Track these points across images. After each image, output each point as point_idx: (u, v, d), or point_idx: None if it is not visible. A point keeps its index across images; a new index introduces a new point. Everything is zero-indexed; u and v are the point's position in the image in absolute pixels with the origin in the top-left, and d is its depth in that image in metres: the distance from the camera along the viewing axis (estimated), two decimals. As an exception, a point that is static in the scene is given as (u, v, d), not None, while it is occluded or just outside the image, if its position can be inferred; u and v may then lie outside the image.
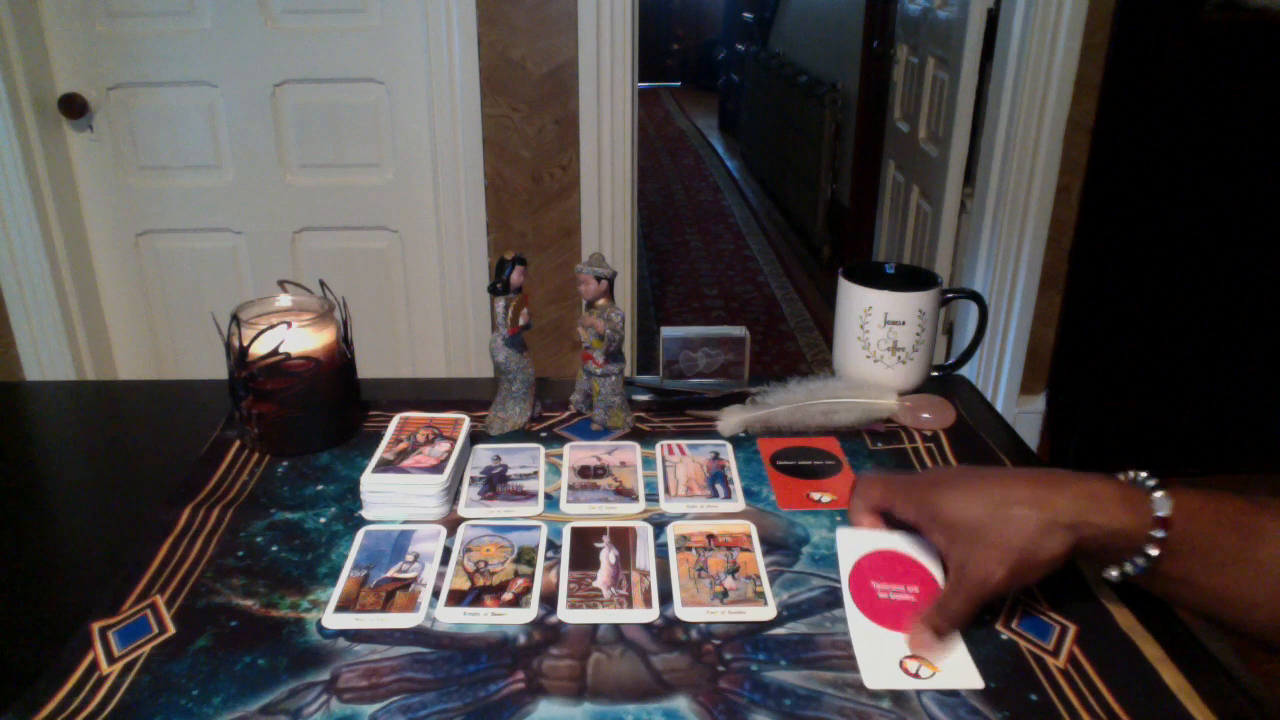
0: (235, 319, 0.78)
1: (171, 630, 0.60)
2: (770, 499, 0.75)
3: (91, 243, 2.05)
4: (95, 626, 0.59)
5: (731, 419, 0.85)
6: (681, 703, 0.54)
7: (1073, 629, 0.60)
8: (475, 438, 0.83)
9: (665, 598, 0.63)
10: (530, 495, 0.75)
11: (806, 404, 0.84)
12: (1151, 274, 2.14)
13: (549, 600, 0.63)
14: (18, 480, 0.81)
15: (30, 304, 1.96)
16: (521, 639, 0.59)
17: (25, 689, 0.54)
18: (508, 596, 0.63)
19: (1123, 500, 0.55)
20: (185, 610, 0.61)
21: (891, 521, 0.65)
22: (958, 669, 0.56)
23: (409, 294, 2.14)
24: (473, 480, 0.77)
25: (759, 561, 0.67)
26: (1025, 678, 0.56)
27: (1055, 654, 0.58)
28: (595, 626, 0.60)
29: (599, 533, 0.70)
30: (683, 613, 0.61)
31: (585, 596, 0.63)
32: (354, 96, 1.97)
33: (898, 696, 0.55)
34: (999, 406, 2.25)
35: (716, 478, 0.78)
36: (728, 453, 0.82)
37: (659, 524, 0.71)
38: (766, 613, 0.61)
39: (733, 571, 0.66)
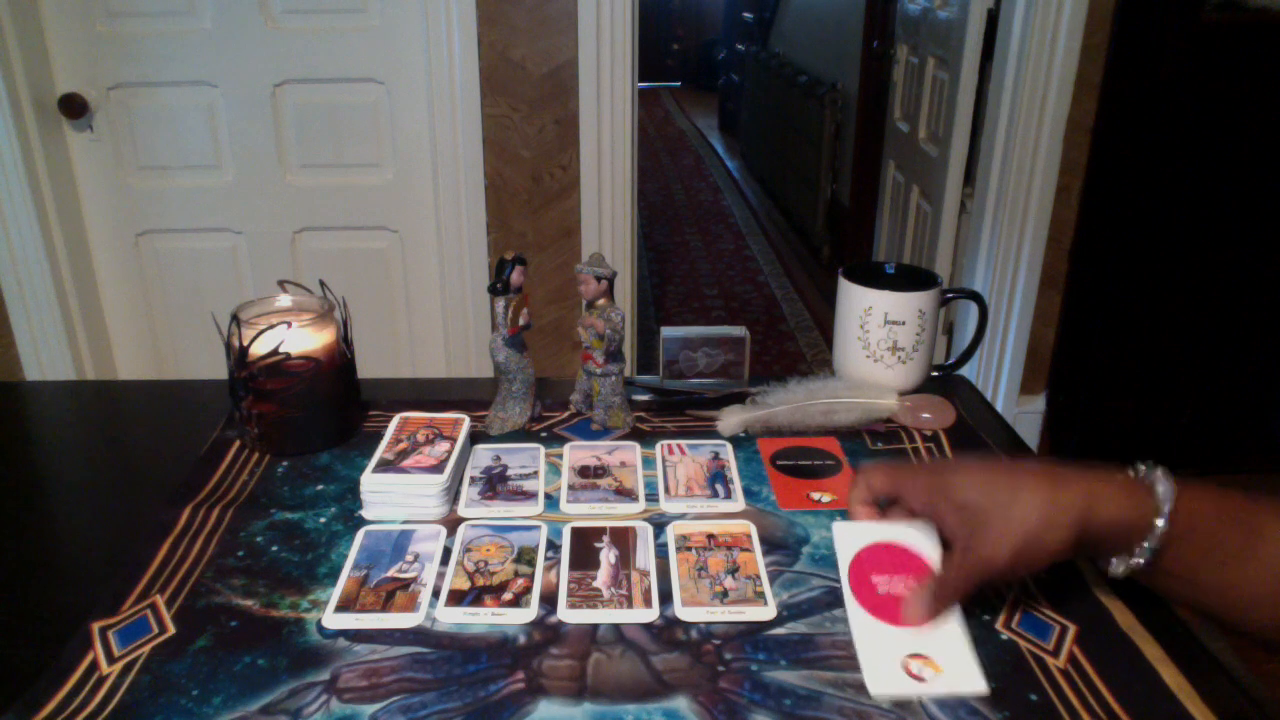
0: (235, 319, 0.78)
1: (171, 630, 0.60)
2: (770, 499, 0.75)
3: (91, 243, 2.05)
4: (95, 626, 0.59)
5: (731, 419, 0.85)
6: (681, 703, 0.54)
7: (1073, 629, 0.60)
8: (475, 438, 0.83)
9: (665, 598, 0.63)
10: (530, 495, 0.75)
11: (806, 404, 0.84)
12: (1151, 274, 2.14)
13: (549, 600, 0.63)
14: (18, 480, 0.81)
15: (30, 304, 1.96)
16: (521, 639, 0.59)
17: (25, 689, 0.54)
18: (508, 596, 0.63)
19: (1127, 492, 0.55)
20: (185, 610, 0.61)
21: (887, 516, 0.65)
22: (962, 670, 0.56)
23: (409, 294, 2.14)
24: (473, 480, 0.77)
25: (759, 561, 0.67)
26: (1025, 678, 0.56)
27: (1055, 654, 0.58)
28: (595, 626, 0.60)
29: (599, 533, 0.70)
30: (683, 613, 0.61)
31: (585, 596, 0.63)
32: (354, 96, 1.97)
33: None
34: (999, 406, 2.25)
35: (716, 478, 0.78)
36: (728, 453, 0.82)
37: (659, 524, 0.71)
38: (766, 613, 0.61)
39: (733, 571, 0.66)
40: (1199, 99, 1.99)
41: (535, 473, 0.78)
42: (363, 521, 0.72)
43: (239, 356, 0.78)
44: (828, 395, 0.85)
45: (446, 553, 0.68)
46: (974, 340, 0.95)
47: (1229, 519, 0.55)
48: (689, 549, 0.68)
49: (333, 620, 0.61)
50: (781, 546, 0.69)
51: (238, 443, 0.82)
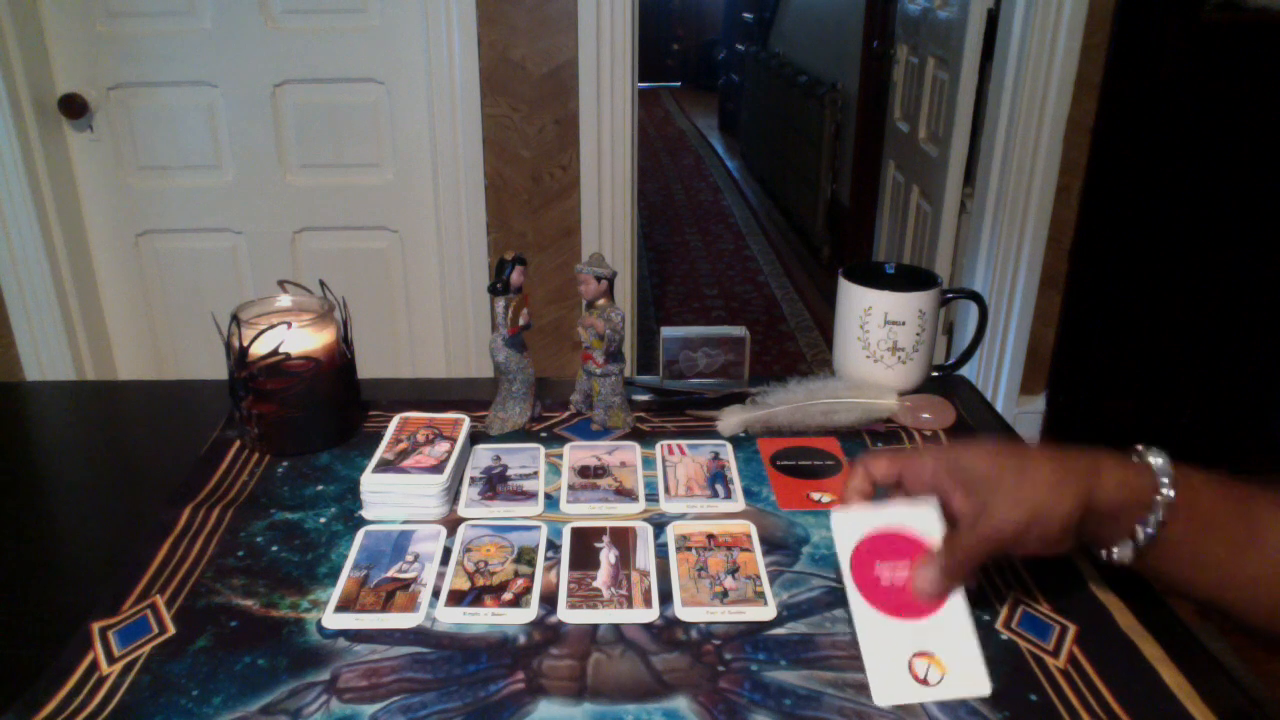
0: (235, 319, 0.78)
1: (171, 630, 0.60)
2: (770, 499, 0.75)
3: (91, 243, 2.05)
4: (95, 626, 0.59)
5: (731, 419, 0.85)
6: (681, 703, 0.54)
7: (1073, 629, 0.60)
8: (475, 438, 0.83)
9: (665, 598, 0.63)
10: (530, 495, 0.75)
11: (806, 404, 0.84)
12: (1151, 274, 2.14)
13: (549, 600, 0.63)
14: (18, 480, 0.81)
15: (30, 304, 1.96)
16: (521, 639, 0.59)
17: (25, 689, 0.54)
18: (508, 596, 0.63)
19: (1130, 470, 0.56)
20: (185, 610, 0.61)
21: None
22: (968, 669, 0.55)
23: (409, 294, 2.14)
24: (473, 480, 0.77)
25: (759, 561, 0.67)
26: (1025, 678, 0.56)
27: (1055, 654, 0.58)
28: (595, 626, 0.60)
29: (599, 533, 0.70)
30: (683, 613, 0.61)
31: (585, 596, 0.63)
32: (354, 96, 1.97)
33: (898, 696, 0.55)
34: (999, 406, 2.25)
35: (716, 478, 0.78)
36: (728, 453, 0.82)
37: (659, 524, 0.71)
38: (766, 613, 0.61)
39: (733, 571, 0.66)
40: (1199, 99, 1.99)
41: (535, 473, 0.78)
42: (363, 521, 0.72)
43: (239, 356, 0.78)
44: (828, 395, 0.85)
45: (446, 553, 0.68)
46: (974, 340, 0.95)
47: (1228, 496, 0.56)
48: (689, 549, 0.68)
49: (333, 620, 0.61)
50: (781, 546, 0.69)
51: (238, 443, 0.82)
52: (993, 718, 0.53)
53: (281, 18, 1.90)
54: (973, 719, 0.53)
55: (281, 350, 0.77)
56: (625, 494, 0.75)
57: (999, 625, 0.60)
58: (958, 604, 0.58)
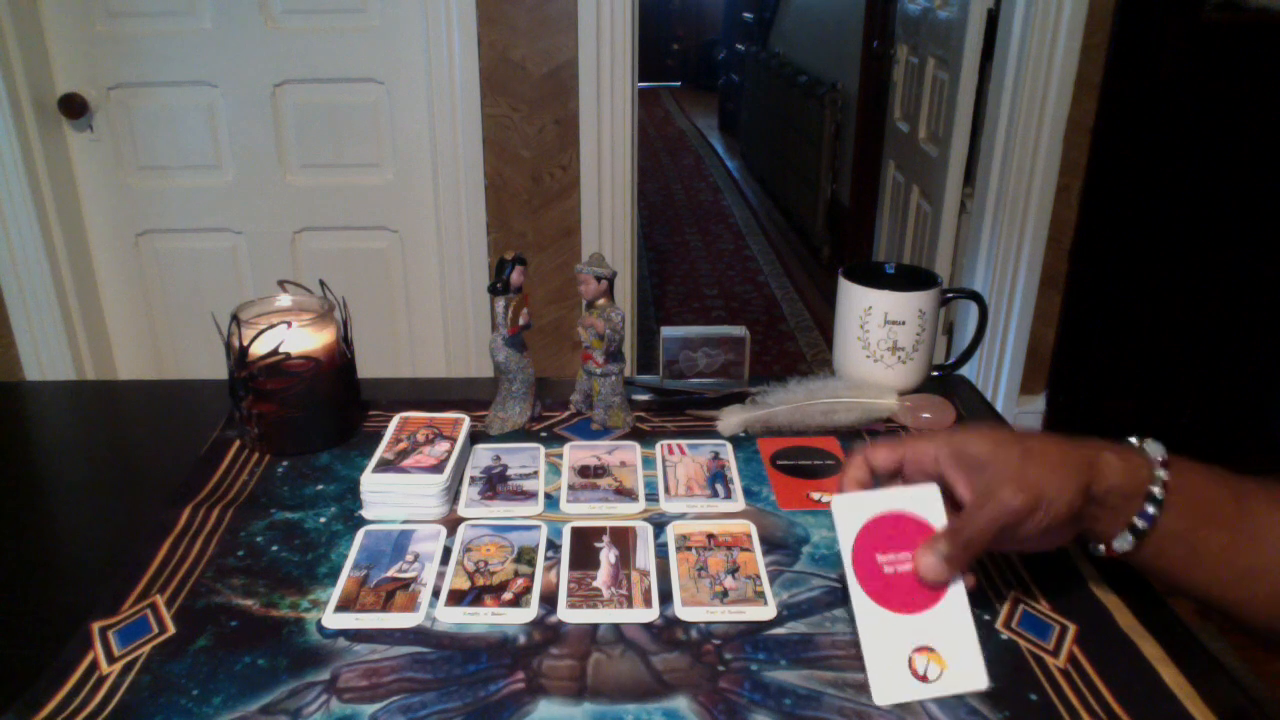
0: (235, 319, 0.78)
1: (171, 630, 0.60)
2: (770, 499, 0.75)
3: (91, 243, 2.05)
4: (95, 626, 0.59)
5: (731, 419, 0.85)
6: (681, 703, 0.54)
7: (1073, 629, 0.60)
8: (475, 438, 0.83)
9: (665, 597, 0.63)
10: (530, 495, 0.75)
11: (806, 404, 0.84)
12: (1151, 274, 2.14)
13: (549, 600, 0.63)
14: (18, 480, 0.81)
15: (30, 304, 1.96)
16: (521, 639, 0.59)
17: (25, 689, 0.54)
18: (508, 596, 0.63)
19: (1127, 457, 0.57)
20: (185, 610, 0.61)
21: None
22: (967, 664, 0.55)
23: (409, 294, 2.14)
24: (473, 480, 0.77)
25: (759, 561, 0.67)
26: (1025, 678, 0.56)
27: (1055, 654, 0.58)
28: (595, 626, 0.60)
29: (599, 533, 0.70)
30: (683, 613, 0.61)
31: (585, 596, 0.63)
32: (354, 96, 1.97)
33: (898, 696, 0.55)
34: (999, 406, 2.25)
35: (716, 478, 0.78)
36: (728, 453, 0.82)
37: (659, 524, 0.71)
38: (766, 613, 0.61)
39: (733, 571, 0.66)
40: (1199, 99, 1.99)
41: (535, 473, 0.78)
42: (363, 521, 0.72)
43: (239, 356, 0.78)
44: (828, 395, 0.85)
45: (446, 553, 0.68)
46: (974, 340, 0.95)
47: (1223, 490, 0.57)
48: (689, 549, 0.68)
49: (333, 620, 0.61)
50: (781, 546, 0.69)
51: (238, 443, 0.82)
52: (993, 717, 0.53)
53: (281, 18, 1.90)
54: (973, 718, 0.53)
55: (281, 350, 0.77)
56: (625, 494, 0.75)
57: (999, 625, 0.60)
58: (958, 597, 0.57)
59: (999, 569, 0.66)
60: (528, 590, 0.63)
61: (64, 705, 0.53)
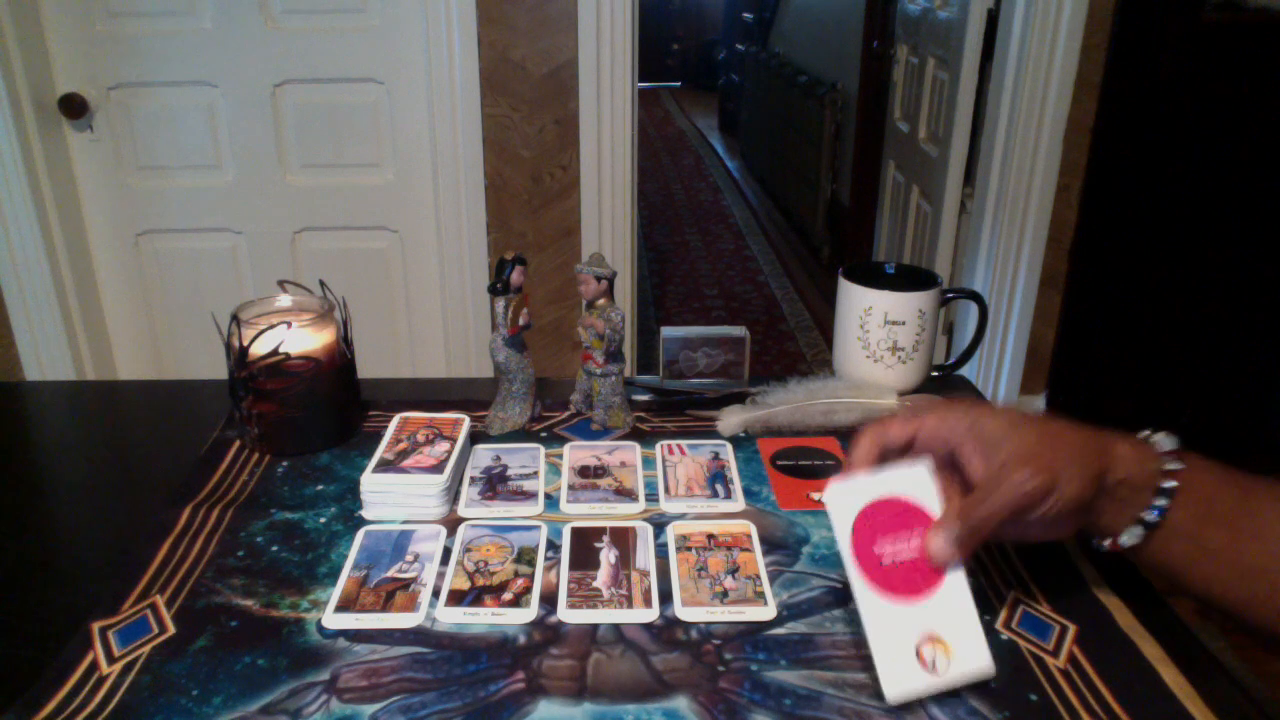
0: (235, 319, 0.78)
1: (171, 630, 0.60)
2: (770, 499, 0.75)
3: (91, 243, 2.05)
4: (95, 626, 0.59)
5: (731, 419, 0.85)
6: (681, 703, 0.54)
7: (1073, 629, 0.60)
8: (475, 438, 0.83)
9: (665, 598, 0.63)
10: (530, 495, 0.75)
11: (806, 404, 0.84)
12: (1151, 273, 2.14)
13: (549, 600, 0.63)
14: (18, 480, 0.81)
15: (30, 304, 1.96)
16: (521, 639, 0.59)
17: (25, 689, 0.54)
18: (508, 596, 0.63)
19: (1140, 447, 0.57)
20: (185, 610, 0.61)
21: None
22: (971, 649, 0.55)
23: (409, 294, 2.14)
24: (473, 480, 0.77)
25: (759, 561, 0.67)
26: (1025, 678, 0.56)
27: (1055, 654, 0.58)
28: (595, 626, 0.60)
29: (599, 533, 0.70)
30: (683, 613, 0.61)
31: (585, 596, 0.63)
32: (354, 96, 1.97)
33: (898, 696, 0.55)
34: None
35: (716, 478, 0.78)
36: (728, 453, 0.82)
37: (659, 524, 0.71)
38: (766, 613, 0.61)
39: (733, 571, 0.66)
40: (1199, 99, 1.99)
41: (535, 473, 0.78)
42: (363, 521, 0.72)
43: (239, 356, 0.78)
44: (828, 395, 0.85)
45: (446, 553, 0.68)
46: (974, 340, 0.95)
47: (1231, 485, 0.56)
48: (689, 549, 0.68)
49: (333, 620, 0.61)
50: (781, 546, 0.69)
51: (238, 443, 0.82)
52: (993, 718, 0.53)
53: (281, 18, 1.90)
54: (973, 719, 0.53)
55: (281, 350, 0.77)
56: (625, 494, 0.75)
57: (999, 625, 0.60)
58: (959, 582, 0.57)
59: (999, 569, 0.66)
60: (528, 590, 0.63)
61: (64, 705, 0.53)
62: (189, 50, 1.91)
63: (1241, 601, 0.55)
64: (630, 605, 0.62)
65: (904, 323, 0.87)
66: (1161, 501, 0.55)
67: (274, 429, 0.80)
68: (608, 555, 0.67)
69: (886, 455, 0.60)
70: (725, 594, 0.63)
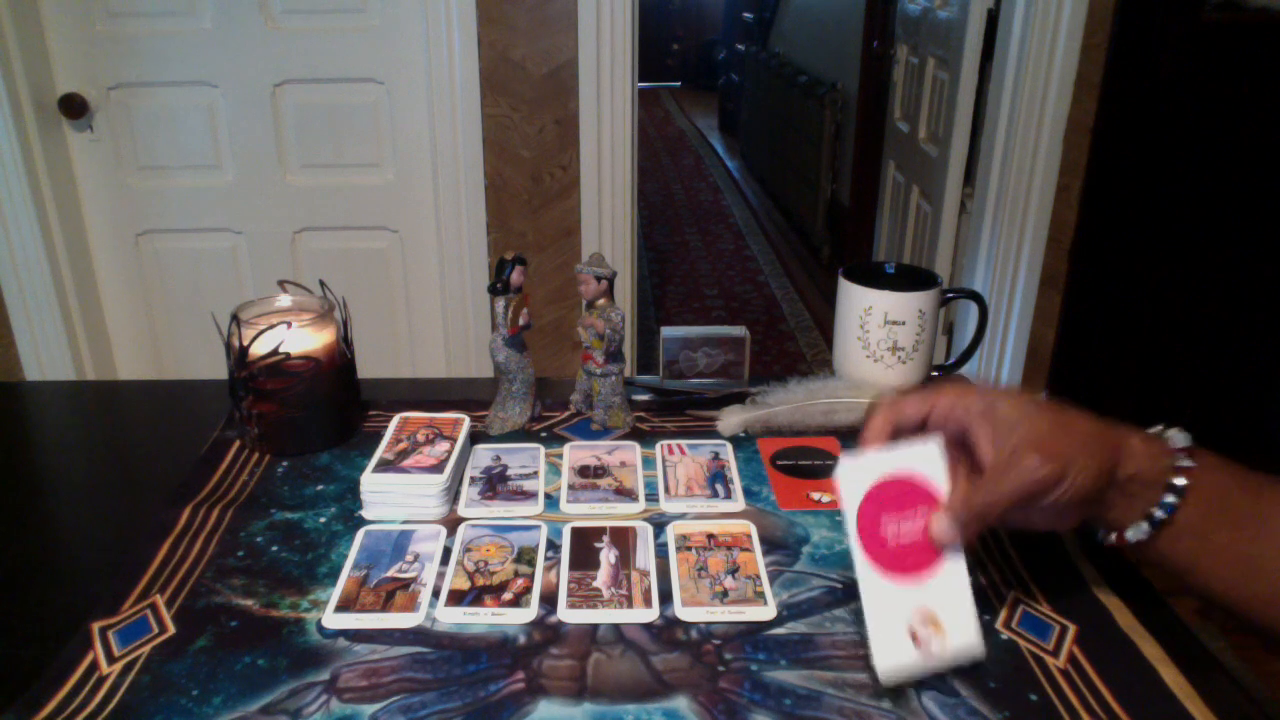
0: (235, 319, 0.78)
1: (171, 630, 0.60)
2: (770, 499, 0.75)
3: (91, 243, 2.05)
4: (95, 626, 0.59)
5: (731, 419, 0.85)
6: (681, 703, 0.54)
7: (1073, 629, 0.60)
8: (475, 438, 0.83)
9: (665, 598, 0.63)
10: (530, 495, 0.75)
11: (806, 404, 0.84)
12: (1151, 274, 2.14)
13: (549, 600, 0.63)
14: (18, 480, 0.81)
15: (30, 304, 1.96)
16: (521, 639, 0.59)
17: (25, 689, 0.54)
18: (508, 596, 0.63)
19: (1152, 441, 0.56)
20: (185, 610, 0.61)
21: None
22: (962, 626, 0.55)
23: (409, 294, 2.14)
24: (473, 480, 0.77)
25: (759, 561, 0.67)
26: (1025, 678, 0.56)
27: (1055, 654, 0.58)
28: (595, 626, 0.60)
29: (599, 533, 0.70)
30: (683, 613, 0.61)
31: (585, 596, 0.63)
32: (354, 96, 1.97)
33: (897, 696, 0.55)
34: (999, 406, 2.24)
35: (716, 478, 0.78)
36: (728, 453, 0.82)
37: (659, 524, 0.71)
38: (766, 613, 0.61)
39: (733, 571, 0.66)
40: (1199, 99, 1.99)
41: (535, 473, 0.78)
42: (363, 521, 0.72)
43: (239, 356, 0.78)
44: (828, 395, 0.85)
45: (446, 553, 0.68)
46: (974, 340, 0.95)
47: (1240, 483, 0.56)
48: (689, 549, 0.68)
49: (333, 620, 0.61)
50: (781, 546, 0.69)
51: (238, 443, 0.82)
52: (993, 718, 0.53)
53: (281, 18, 1.90)
54: (973, 718, 0.53)
55: (281, 350, 0.77)
56: (625, 494, 0.75)
57: (999, 625, 0.60)
58: (958, 564, 0.57)
59: (999, 569, 0.66)
60: (528, 590, 0.63)
61: (64, 705, 0.53)
62: (189, 50, 1.90)
63: (1246, 600, 0.55)
64: (630, 605, 0.62)
65: (904, 323, 0.87)
66: (1171, 499, 0.55)
67: (274, 429, 0.80)
68: (608, 555, 0.67)
69: (899, 433, 0.60)
70: (725, 594, 0.63)
